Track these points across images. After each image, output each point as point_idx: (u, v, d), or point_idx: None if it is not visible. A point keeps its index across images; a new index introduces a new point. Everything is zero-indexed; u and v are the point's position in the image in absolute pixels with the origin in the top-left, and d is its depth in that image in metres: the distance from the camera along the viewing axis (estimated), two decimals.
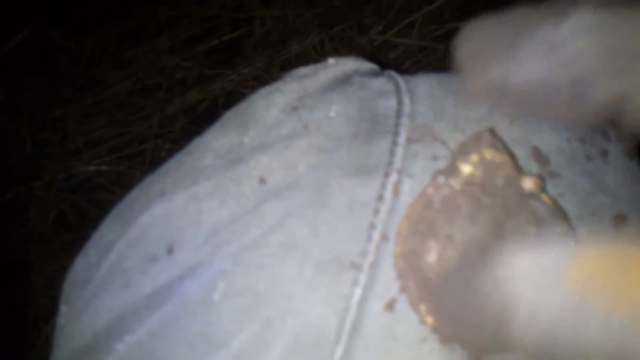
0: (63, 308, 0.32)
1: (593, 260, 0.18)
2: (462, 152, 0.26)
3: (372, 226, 0.26)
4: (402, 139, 0.28)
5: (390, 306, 0.25)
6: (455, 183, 0.26)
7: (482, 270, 0.20)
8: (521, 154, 0.28)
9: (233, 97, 0.90)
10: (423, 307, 0.24)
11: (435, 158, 0.27)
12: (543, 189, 0.26)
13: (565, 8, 0.21)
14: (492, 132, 0.27)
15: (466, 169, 0.26)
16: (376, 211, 0.26)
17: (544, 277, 0.18)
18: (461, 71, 0.23)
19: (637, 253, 0.18)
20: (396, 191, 0.26)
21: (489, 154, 0.26)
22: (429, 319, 0.24)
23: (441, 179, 0.26)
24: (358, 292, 0.25)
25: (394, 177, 0.27)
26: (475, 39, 0.23)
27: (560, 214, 0.26)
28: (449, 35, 0.90)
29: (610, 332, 0.16)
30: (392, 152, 0.27)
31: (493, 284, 0.19)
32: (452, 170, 0.26)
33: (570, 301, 0.17)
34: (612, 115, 0.21)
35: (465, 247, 0.25)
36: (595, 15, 0.20)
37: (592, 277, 0.17)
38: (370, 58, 0.35)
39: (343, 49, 0.93)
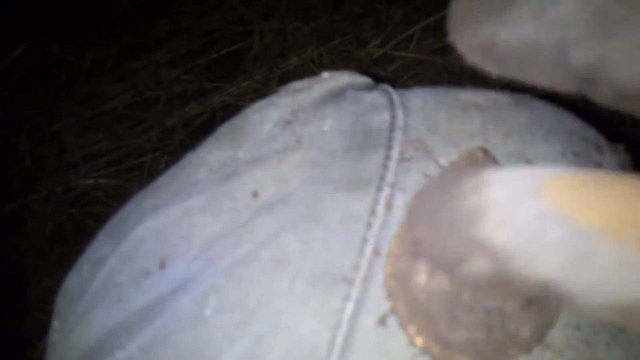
0: (55, 323, 0.32)
1: (567, 179, 0.18)
2: (455, 171, 0.26)
3: (365, 240, 0.26)
4: (395, 153, 0.28)
5: (382, 321, 0.24)
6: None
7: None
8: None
9: (232, 111, 0.90)
10: (412, 328, 0.24)
11: (428, 175, 0.27)
12: None
13: None
14: (485, 151, 0.27)
15: None
16: (369, 225, 0.26)
17: (520, 185, 0.18)
18: (452, 30, 0.23)
19: (609, 179, 0.18)
20: (389, 205, 0.26)
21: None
22: (419, 340, 0.24)
23: None
24: (350, 306, 0.25)
25: (386, 191, 0.26)
26: (468, 0, 0.23)
27: None
28: (447, 49, 0.91)
29: (571, 239, 0.17)
30: (385, 166, 0.27)
31: (471, 188, 0.19)
32: None
33: (539, 208, 0.18)
34: (589, 83, 0.21)
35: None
36: None
37: (564, 188, 0.18)
38: (368, 71, 0.35)
39: (342, 62, 0.93)
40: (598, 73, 0.20)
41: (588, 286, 0.17)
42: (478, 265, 0.19)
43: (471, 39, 0.22)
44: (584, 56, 0.20)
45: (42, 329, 0.77)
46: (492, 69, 0.23)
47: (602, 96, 0.21)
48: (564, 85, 0.22)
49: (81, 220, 0.87)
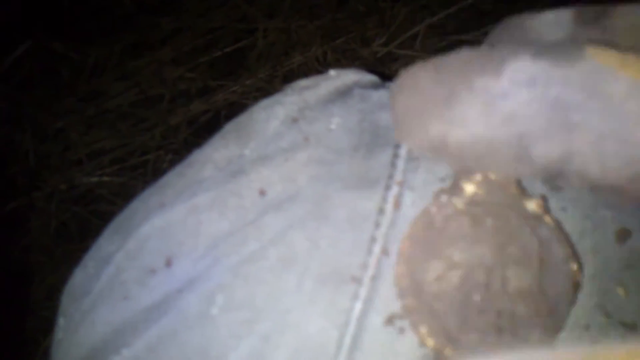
0: (61, 321, 0.32)
1: None
2: (466, 171, 0.26)
3: (373, 239, 0.25)
4: (403, 152, 0.27)
5: (390, 321, 0.24)
6: (459, 202, 0.26)
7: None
8: None
9: (236, 109, 0.90)
10: (424, 329, 0.24)
11: (436, 174, 0.27)
12: (547, 210, 0.26)
13: (504, 55, 0.20)
14: None
15: (469, 188, 0.26)
16: (377, 224, 0.26)
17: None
18: (398, 128, 0.22)
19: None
20: (397, 204, 0.26)
21: (493, 173, 0.26)
22: (430, 341, 0.24)
23: (444, 198, 0.26)
24: (358, 306, 0.24)
25: (395, 190, 0.26)
26: (412, 91, 0.22)
27: (563, 237, 0.25)
28: (452, 47, 0.90)
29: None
30: (393, 165, 0.27)
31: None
32: (455, 189, 0.26)
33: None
34: (558, 175, 0.20)
35: (467, 269, 0.24)
36: (535, 65, 0.19)
37: None
38: (372, 70, 0.35)
39: (346, 60, 0.93)
40: (566, 167, 0.19)
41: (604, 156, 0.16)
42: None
43: (420, 138, 0.21)
44: (549, 151, 0.19)
45: (46, 327, 0.78)
46: (450, 165, 0.22)
47: (574, 186, 0.20)
48: (532, 176, 0.21)
49: (85, 217, 0.87)
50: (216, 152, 0.31)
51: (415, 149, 0.21)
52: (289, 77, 0.91)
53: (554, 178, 0.20)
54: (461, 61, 0.21)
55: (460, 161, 0.21)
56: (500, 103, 0.19)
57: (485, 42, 0.24)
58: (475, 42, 0.89)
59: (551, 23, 0.22)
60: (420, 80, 0.21)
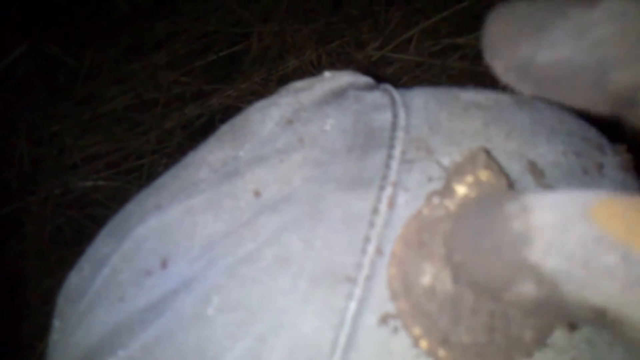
0: (57, 323, 0.32)
1: (618, 203, 0.18)
2: (457, 172, 0.26)
3: (367, 239, 0.26)
4: (397, 152, 0.28)
5: (384, 320, 0.24)
6: (451, 204, 0.26)
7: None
8: (517, 167, 0.28)
9: (230, 112, 0.90)
10: (417, 330, 0.24)
11: (430, 176, 0.27)
12: None
13: None
14: (487, 152, 0.27)
15: (461, 190, 0.26)
16: (371, 224, 0.26)
17: (569, 209, 0.18)
18: (488, 50, 0.23)
19: None
20: (391, 204, 0.26)
21: (484, 175, 0.26)
22: (423, 343, 0.24)
23: (436, 200, 0.26)
24: (353, 305, 0.24)
25: (389, 190, 0.26)
26: (507, 17, 0.23)
27: None
28: (446, 51, 0.91)
29: (627, 264, 0.17)
30: (387, 166, 0.27)
31: (517, 210, 0.19)
32: (447, 191, 0.26)
33: (592, 233, 0.17)
34: (628, 104, 0.21)
35: (459, 270, 0.24)
36: (625, 3, 0.20)
37: (614, 214, 0.18)
38: (367, 73, 0.35)
39: (340, 64, 0.94)
40: (635, 96, 0.20)
41: None
42: (526, 290, 0.19)
43: (508, 59, 0.22)
44: (626, 77, 0.20)
45: (41, 331, 0.77)
46: (527, 90, 0.23)
47: (635, 118, 0.21)
48: (600, 106, 0.22)
49: (80, 222, 0.87)
50: (211, 154, 0.31)
51: (501, 72, 0.22)
52: (284, 81, 0.91)
53: (624, 106, 0.21)
54: None
55: (540, 84, 0.22)
56: (590, 30, 0.20)
57: None
58: (469, 46, 0.89)
59: None
60: (517, 8, 0.23)
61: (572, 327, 0.25)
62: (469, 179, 0.26)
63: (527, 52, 0.21)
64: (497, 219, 0.20)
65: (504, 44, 0.22)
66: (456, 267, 0.23)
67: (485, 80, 0.89)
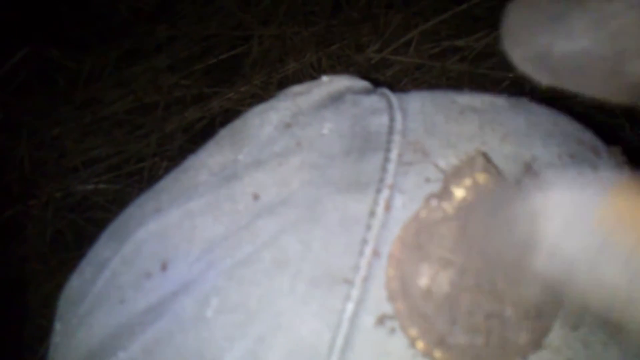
0: (58, 326, 0.32)
1: (622, 204, 0.18)
2: (456, 175, 0.26)
3: (364, 241, 0.26)
4: (393, 155, 0.28)
5: (381, 321, 0.25)
6: (448, 207, 0.26)
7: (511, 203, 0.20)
8: (513, 170, 0.28)
9: (231, 116, 0.91)
10: (413, 332, 0.24)
11: (426, 178, 0.27)
12: None
13: None
14: (485, 156, 0.27)
15: (459, 193, 0.26)
16: (368, 227, 0.26)
17: (572, 213, 0.19)
18: (506, 39, 0.23)
19: None
20: (388, 207, 0.26)
21: (482, 178, 0.26)
22: (419, 344, 0.24)
23: (434, 202, 0.26)
24: (350, 307, 0.25)
25: (385, 193, 0.27)
26: (527, 7, 0.23)
27: None
28: (445, 53, 0.91)
29: (629, 273, 0.17)
30: (383, 169, 0.28)
31: (521, 215, 0.19)
32: (445, 194, 0.26)
33: (595, 239, 0.18)
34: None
35: (456, 272, 0.25)
36: None
37: (619, 220, 0.18)
38: (367, 76, 0.35)
39: (340, 67, 0.94)
40: None
41: None
42: (533, 292, 0.19)
43: (526, 48, 0.23)
44: None
45: (42, 334, 0.77)
46: (544, 79, 0.23)
47: None
48: (616, 96, 0.22)
49: (81, 225, 0.87)
50: (211, 158, 0.32)
51: (518, 60, 0.22)
52: (284, 84, 0.91)
53: (639, 96, 0.21)
54: None
55: (557, 74, 0.22)
56: (608, 21, 0.20)
57: None
58: (468, 48, 0.90)
59: None
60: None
61: (574, 327, 0.25)
62: (467, 182, 0.26)
63: (545, 42, 0.22)
64: (505, 221, 0.20)
65: (522, 34, 0.23)
66: (462, 269, 0.23)
67: (485, 82, 0.89)
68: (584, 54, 0.21)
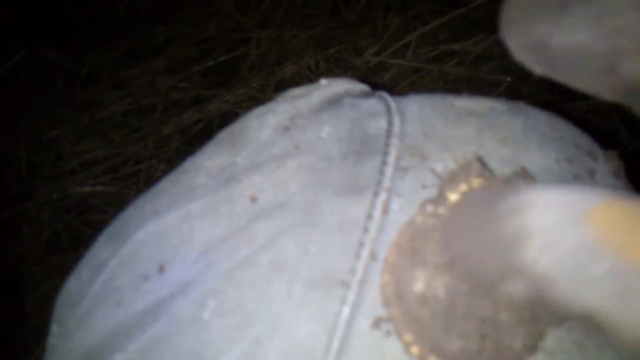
0: (54, 327, 0.32)
1: (615, 209, 0.18)
2: (451, 181, 0.27)
3: (361, 244, 0.26)
4: (391, 159, 0.28)
5: (377, 324, 0.25)
6: (444, 212, 0.26)
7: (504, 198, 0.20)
8: (509, 173, 0.28)
9: (228, 118, 0.91)
10: (408, 337, 0.24)
11: (423, 182, 0.27)
12: None
13: None
14: (481, 161, 0.27)
15: (454, 197, 0.26)
16: (365, 230, 0.26)
17: (566, 211, 0.19)
18: (505, 28, 0.23)
19: None
20: (385, 210, 0.27)
21: (477, 184, 0.26)
22: (414, 349, 0.24)
23: (430, 208, 0.26)
24: (346, 310, 0.25)
25: (383, 196, 0.27)
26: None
27: None
28: (443, 57, 0.91)
29: (615, 275, 0.17)
30: (381, 172, 0.28)
31: (514, 209, 0.19)
32: (440, 199, 0.26)
33: (586, 238, 0.18)
34: (635, 94, 0.21)
35: (452, 277, 0.25)
36: None
37: (611, 222, 0.18)
38: (365, 79, 0.35)
39: (338, 70, 0.94)
40: None
41: (634, 320, 0.17)
42: (518, 287, 0.19)
43: (524, 38, 0.23)
44: (636, 67, 0.20)
45: (39, 336, 0.77)
46: (539, 70, 0.23)
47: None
48: (609, 93, 0.22)
49: (78, 227, 0.87)
50: (209, 160, 0.32)
51: (515, 49, 0.22)
52: (282, 86, 0.91)
53: (633, 96, 0.21)
54: None
55: (553, 65, 0.22)
56: (608, 18, 0.20)
57: None
58: (466, 52, 0.90)
59: None
60: None
61: (568, 331, 0.25)
62: (463, 187, 0.26)
63: (544, 33, 0.22)
64: (495, 215, 0.20)
65: (521, 23, 0.23)
66: (452, 259, 0.23)
67: (483, 85, 0.89)
68: (582, 48, 0.21)
